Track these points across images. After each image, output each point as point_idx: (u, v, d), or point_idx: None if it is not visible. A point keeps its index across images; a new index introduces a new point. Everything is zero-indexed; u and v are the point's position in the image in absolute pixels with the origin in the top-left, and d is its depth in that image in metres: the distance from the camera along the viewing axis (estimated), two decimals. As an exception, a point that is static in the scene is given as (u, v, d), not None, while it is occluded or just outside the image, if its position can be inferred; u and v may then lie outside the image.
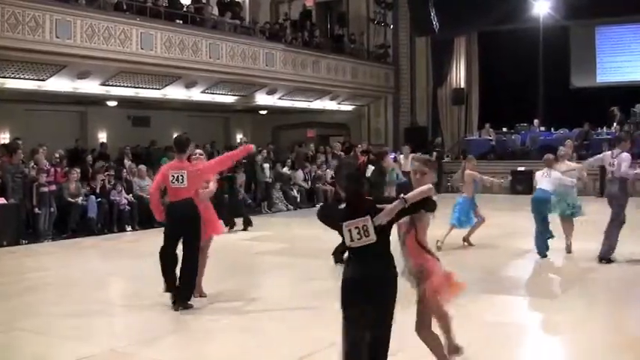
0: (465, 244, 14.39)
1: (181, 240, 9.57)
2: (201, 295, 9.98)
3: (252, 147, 10.92)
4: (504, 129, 30.43)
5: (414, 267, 6.11)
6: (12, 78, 18.56)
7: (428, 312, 6.16)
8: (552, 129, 29.03)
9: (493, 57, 30.75)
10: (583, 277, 11.74)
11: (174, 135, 26.79)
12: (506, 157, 28.89)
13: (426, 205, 5.72)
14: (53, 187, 17.33)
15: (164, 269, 9.61)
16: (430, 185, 5.82)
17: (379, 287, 5.43)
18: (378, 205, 5.46)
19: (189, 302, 9.44)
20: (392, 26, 33.35)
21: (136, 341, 8.18)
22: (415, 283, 6.13)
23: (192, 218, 9.51)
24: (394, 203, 5.47)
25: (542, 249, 12.94)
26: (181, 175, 9.42)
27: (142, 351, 7.61)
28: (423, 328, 6.20)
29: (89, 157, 20.67)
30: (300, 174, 25.04)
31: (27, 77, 18.79)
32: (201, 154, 10.25)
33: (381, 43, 33.17)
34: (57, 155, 18.85)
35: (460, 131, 32.56)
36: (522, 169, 26.37)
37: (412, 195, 5.59)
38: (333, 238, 14.38)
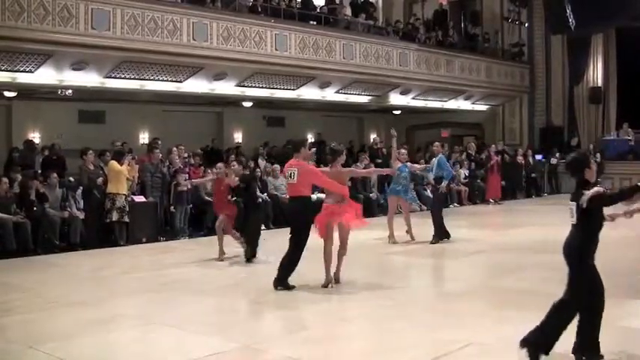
0: None
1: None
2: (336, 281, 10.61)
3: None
4: (644, 128, 29.31)
5: None
6: (151, 80, 19.11)
7: None
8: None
9: (632, 54, 29.44)
10: None
11: (309, 135, 27.36)
12: (646, 157, 27.88)
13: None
14: (190, 186, 17.74)
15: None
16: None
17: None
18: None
19: (289, 284, 10.35)
20: (527, 24, 32.67)
21: (269, 338, 8.23)
22: None
23: (298, 214, 10.56)
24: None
25: None
26: (293, 172, 10.41)
27: (274, 347, 7.60)
28: None
29: (232, 157, 20.85)
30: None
31: (165, 79, 19.33)
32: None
33: (516, 41, 32.53)
34: (186, 155, 19.26)
35: (597, 131, 31.43)
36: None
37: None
38: (465, 241, 14.18)
